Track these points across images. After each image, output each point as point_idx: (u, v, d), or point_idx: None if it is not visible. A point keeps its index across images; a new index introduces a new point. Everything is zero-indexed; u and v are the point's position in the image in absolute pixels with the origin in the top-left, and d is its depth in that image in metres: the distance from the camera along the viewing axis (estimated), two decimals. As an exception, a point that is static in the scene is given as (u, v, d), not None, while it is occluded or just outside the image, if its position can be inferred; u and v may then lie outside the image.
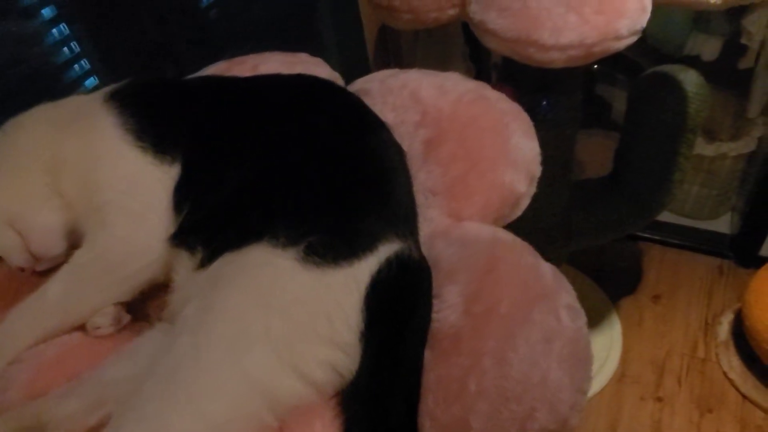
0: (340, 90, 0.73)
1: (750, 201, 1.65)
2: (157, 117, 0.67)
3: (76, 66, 1.21)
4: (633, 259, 1.82)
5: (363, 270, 0.54)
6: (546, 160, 1.23)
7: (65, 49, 1.18)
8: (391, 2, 0.96)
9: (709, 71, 1.59)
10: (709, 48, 1.52)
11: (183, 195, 0.63)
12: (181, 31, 1.36)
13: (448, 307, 0.55)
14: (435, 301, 0.56)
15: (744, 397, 1.45)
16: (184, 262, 0.60)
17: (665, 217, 1.79)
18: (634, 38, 0.84)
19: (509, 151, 0.66)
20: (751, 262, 1.70)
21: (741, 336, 1.50)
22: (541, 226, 1.36)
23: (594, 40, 0.80)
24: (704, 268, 1.76)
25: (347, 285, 0.53)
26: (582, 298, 1.75)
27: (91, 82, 1.24)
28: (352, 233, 0.56)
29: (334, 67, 0.92)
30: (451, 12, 0.94)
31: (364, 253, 0.55)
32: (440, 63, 1.56)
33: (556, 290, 0.57)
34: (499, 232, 0.62)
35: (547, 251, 1.45)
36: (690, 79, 1.22)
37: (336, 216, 0.57)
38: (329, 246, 0.54)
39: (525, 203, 0.68)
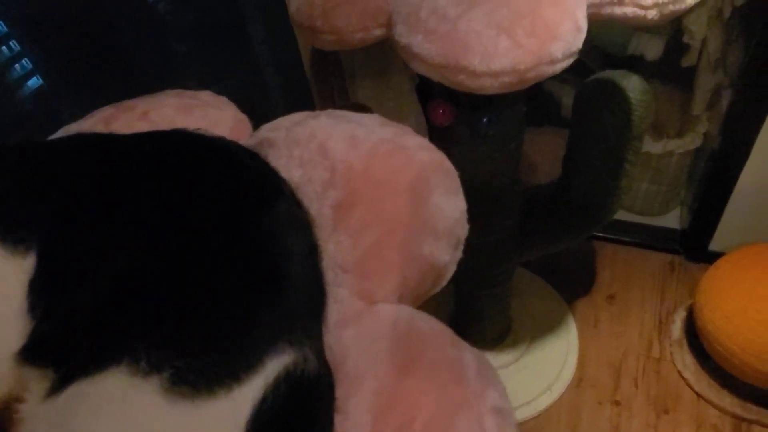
0: (232, 152, 0.60)
1: (698, 197, 1.59)
2: (8, 194, 0.53)
3: (17, 66, 1.08)
4: (587, 258, 1.74)
5: (244, 397, 0.42)
6: (492, 176, 1.13)
7: (4, 48, 1.06)
8: (313, 22, 0.83)
9: (654, 70, 1.50)
10: (652, 47, 1.43)
11: (37, 295, 0.50)
12: (126, 24, 1.22)
13: (354, 426, 0.44)
14: (338, 418, 0.45)
15: (698, 395, 1.40)
16: (33, 386, 0.47)
17: (617, 214, 1.72)
18: (570, 60, 0.73)
19: (429, 214, 0.54)
20: (701, 257, 1.65)
21: (694, 334, 1.45)
22: (492, 240, 1.26)
23: (528, 66, 0.69)
24: (656, 265, 1.70)
25: (223, 420, 0.41)
26: (538, 302, 1.67)
27: (34, 82, 1.13)
28: (232, 349, 0.43)
29: (271, 79, 0.79)
30: (378, 32, 0.81)
31: (246, 375, 0.43)
32: (380, 74, 1.43)
33: (480, 390, 0.46)
34: (417, 320, 0.51)
35: (498, 266, 1.36)
36: (633, 86, 1.12)
37: (212, 327, 0.45)
38: (201, 371, 0.42)
39: (450, 272, 0.56)
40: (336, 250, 0.55)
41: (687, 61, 1.44)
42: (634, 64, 1.49)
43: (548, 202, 1.30)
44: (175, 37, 1.30)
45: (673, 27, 1.38)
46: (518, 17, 0.68)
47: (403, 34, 0.74)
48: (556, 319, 1.59)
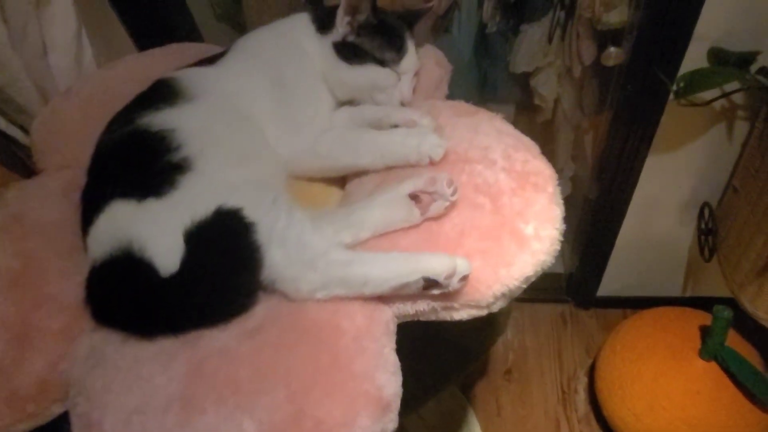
0: None
1: (581, 242, 1.41)
2: None
3: None
4: (476, 328, 1.52)
5: None
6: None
7: None
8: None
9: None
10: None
11: None
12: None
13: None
14: None
15: (615, 477, 1.25)
16: None
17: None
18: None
19: None
20: (590, 303, 1.49)
21: (599, 405, 1.29)
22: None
23: None
24: (548, 321, 1.51)
25: None
26: (434, 403, 1.43)
27: None
28: None
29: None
30: (56, 409, 0.45)
31: None
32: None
33: None
34: None
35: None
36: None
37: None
38: None
39: None
40: None
41: (542, 118, 1.19)
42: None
43: (419, 353, 1.02)
44: None
45: (522, 91, 1.11)
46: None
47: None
48: (456, 421, 1.36)
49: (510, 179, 0.46)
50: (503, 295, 0.43)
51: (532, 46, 1.02)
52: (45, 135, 0.56)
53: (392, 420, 0.39)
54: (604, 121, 1.15)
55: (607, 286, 1.43)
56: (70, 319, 0.43)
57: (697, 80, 0.82)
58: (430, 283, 0.40)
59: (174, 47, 0.69)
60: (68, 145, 0.55)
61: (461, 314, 0.43)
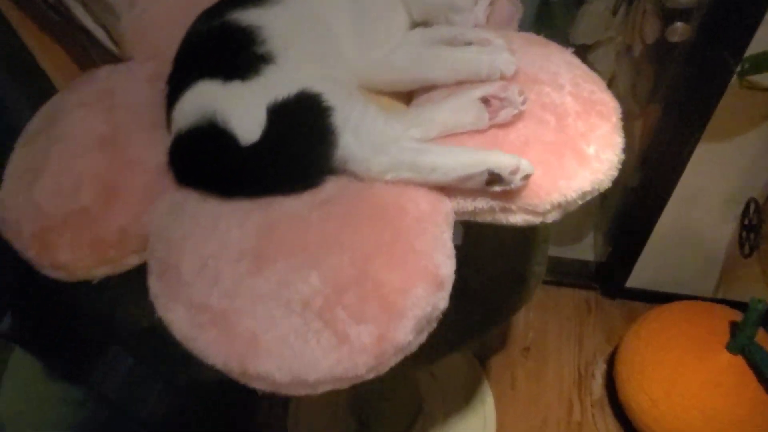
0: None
1: (616, 233, 1.40)
2: None
3: None
4: (499, 304, 1.53)
5: None
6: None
7: None
8: (24, 250, 0.49)
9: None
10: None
11: None
12: None
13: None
14: None
15: (622, 464, 1.26)
16: None
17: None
18: (433, 327, 0.44)
19: None
20: (616, 293, 1.49)
21: (614, 390, 1.30)
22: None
23: (361, 371, 0.40)
24: (571, 306, 1.51)
25: None
26: (449, 368, 1.46)
27: None
28: None
29: None
30: (134, 259, 0.49)
31: None
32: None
33: None
34: None
35: (396, 376, 1.12)
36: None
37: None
38: None
39: None
40: None
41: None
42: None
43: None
44: None
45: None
46: (337, 290, 0.38)
47: (159, 297, 0.42)
48: (470, 388, 1.39)
49: (576, 103, 0.48)
50: (559, 204, 0.45)
51: (595, 18, 1.03)
52: (134, 28, 0.60)
53: (444, 298, 0.42)
54: (656, 106, 1.14)
55: (637, 278, 1.43)
56: (154, 179, 0.47)
57: (764, 62, 0.82)
58: (493, 177, 0.42)
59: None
60: (157, 38, 0.59)
61: (517, 218, 0.46)
